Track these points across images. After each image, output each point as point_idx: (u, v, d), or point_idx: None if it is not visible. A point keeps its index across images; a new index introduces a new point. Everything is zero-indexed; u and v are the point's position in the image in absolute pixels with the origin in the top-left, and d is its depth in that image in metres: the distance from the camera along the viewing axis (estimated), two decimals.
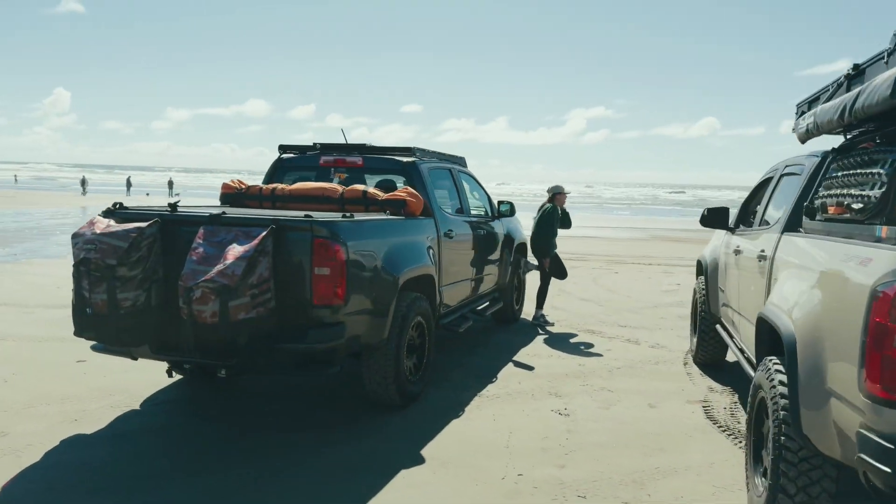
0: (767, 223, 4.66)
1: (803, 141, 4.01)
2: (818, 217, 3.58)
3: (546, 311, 8.70)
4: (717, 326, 6.08)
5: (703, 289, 6.45)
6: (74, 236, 4.25)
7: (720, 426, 4.93)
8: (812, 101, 4.19)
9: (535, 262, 8.68)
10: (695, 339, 6.75)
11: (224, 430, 4.57)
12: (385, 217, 5.03)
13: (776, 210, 4.61)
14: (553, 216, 8.38)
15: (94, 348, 4.64)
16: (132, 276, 4.17)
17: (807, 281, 3.21)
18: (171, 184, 51.17)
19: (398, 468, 4.03)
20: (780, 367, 3.31)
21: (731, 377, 6.20)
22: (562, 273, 8.57)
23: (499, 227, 7.61)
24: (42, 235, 17.92)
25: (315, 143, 6.43)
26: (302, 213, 4.39)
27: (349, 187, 5.56)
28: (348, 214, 4.53)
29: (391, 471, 3.99)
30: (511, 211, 7.71)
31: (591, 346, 7.32)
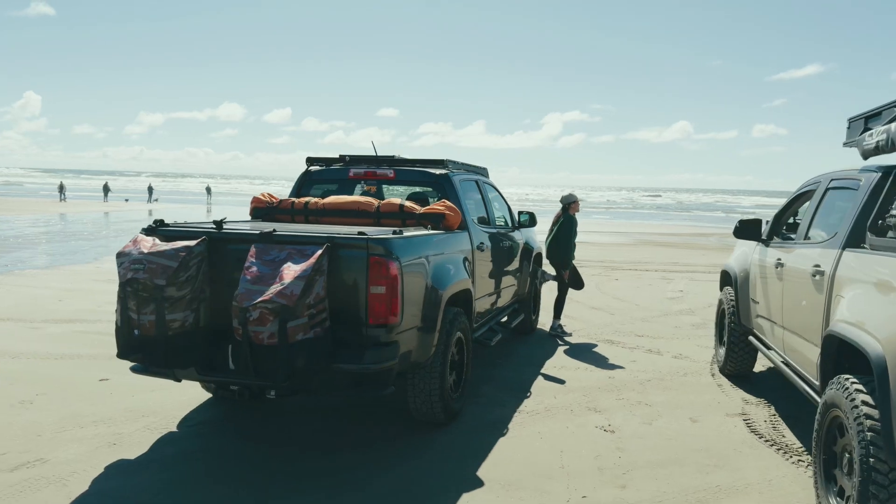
0: (816, 238, 4.65)
1: (867, 156, 4.01)
2: (891, 234, 3.57)
3: (562, 320, 8.66)
4: (750, 338, 6.09)
5: (731, 300, 6.45)
6: (120, 255, 4.10)
7: (766, 440, 4.91)
8: (870, 118, 4.19)
9: (552, 272, 8.65)
10: (722, 350, 6.76)
11: (271, 452, 4.44)
12: (430, 232, 4.94)
13: (826, 225, 4.60)
14: (571, 226, 8.35)
15: (133, 369, 4.49)
16: (181, 296, 4.04)
17: (891, 299, 3.19)
18: (150, 189, 50.43)
19: (459, 491, 3.94)
20: (861, 387, 3.28)
21: (763, 388, 6.21)
22: (579, 283, 8.54)
23: (519, 238, 7.56)
24: (28, 244, 17.50)
25: (342, 156, 6.32)
26: (355, 230, 4.29)
27: (385, 201, 5.47)
28: (398, 230, 4.43)
29: (453, 494, 3.90)
30: (531, 221, 7.67)
31: (614, 357, 7.28)
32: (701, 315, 9.96)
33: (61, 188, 45.11)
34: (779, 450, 4.73)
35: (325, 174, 6.21)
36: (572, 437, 4.87)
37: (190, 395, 5.46)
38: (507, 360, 7.03)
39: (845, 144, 4.51)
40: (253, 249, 4.05)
